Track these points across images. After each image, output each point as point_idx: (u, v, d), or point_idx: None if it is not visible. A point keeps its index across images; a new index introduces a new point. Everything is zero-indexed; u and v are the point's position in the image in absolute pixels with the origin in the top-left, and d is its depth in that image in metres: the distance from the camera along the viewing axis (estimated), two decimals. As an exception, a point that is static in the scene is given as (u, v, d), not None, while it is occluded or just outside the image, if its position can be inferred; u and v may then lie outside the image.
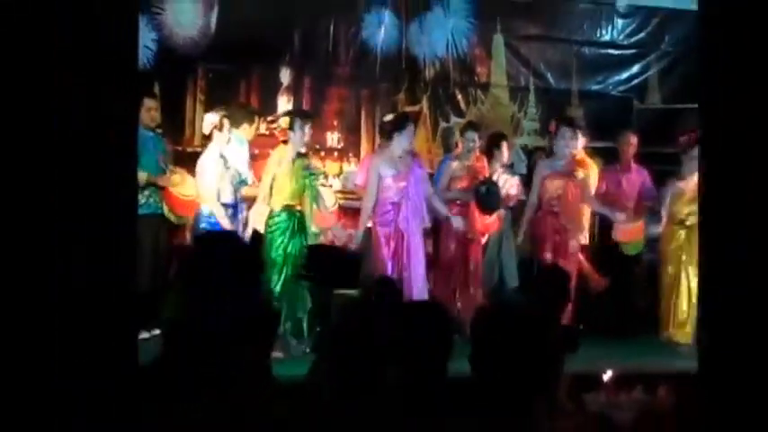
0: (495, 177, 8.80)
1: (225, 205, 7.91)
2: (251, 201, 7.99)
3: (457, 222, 8.34)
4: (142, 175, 7.58)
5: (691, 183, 8.38)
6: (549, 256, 8.46)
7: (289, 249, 7.68)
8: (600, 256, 9.01)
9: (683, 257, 8.61)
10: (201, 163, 7.95)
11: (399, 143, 7.93)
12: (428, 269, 8.14)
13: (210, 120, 8.10)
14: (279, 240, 7.68)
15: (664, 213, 8.80)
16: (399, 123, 8.13)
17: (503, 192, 8.82)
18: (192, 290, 2.81)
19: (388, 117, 8.75)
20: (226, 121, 8.01)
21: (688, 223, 8.50)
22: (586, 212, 9.16)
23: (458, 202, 8.60)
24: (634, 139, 9.29)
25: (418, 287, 7.79)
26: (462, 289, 8.56)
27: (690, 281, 8.54)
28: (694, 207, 8.32)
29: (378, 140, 9.20)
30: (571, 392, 5.69)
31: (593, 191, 9.06)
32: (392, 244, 7.88)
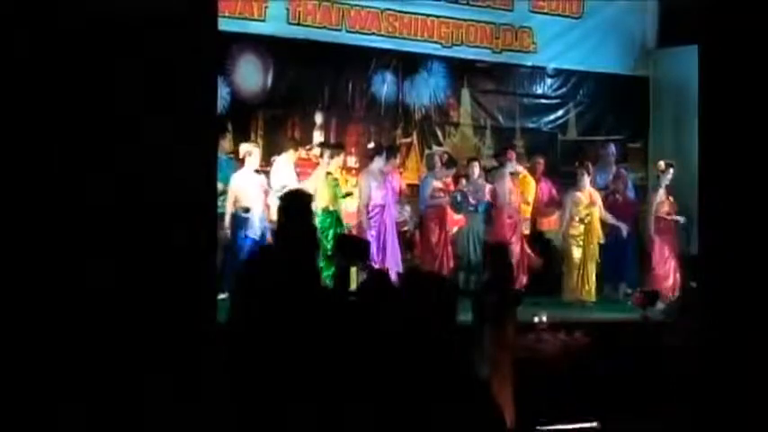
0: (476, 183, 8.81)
1: (245, 208, 7.85)
2: None
3: (409, 225, 8.54)
4: (219, 185, 7.60)
5: (585, 192, 8.51)
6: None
7: (329, 238, 7.68)
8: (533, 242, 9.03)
9: (584, 244, 8.61)
10: (234, 177, 7.95)
11: (377, 163, 8.10)
12: (409, 250, 8.27)
13: (245, 149, 8.19)
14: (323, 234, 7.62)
15: (567, 214, 8.74)
16: (377, 150, 8.44)
17: (479, 194, 8.85)
18: None
19: (371, 145, 8.88)
20: (255, 150, 8.12)
21: (586, 221, 8.54)
22: (526, 210, 9.18)
23: (435, 205, 8.65)
24: (541, 160, 9.49)
25: (396, 260, 7.94)
26: (440, 264, 8.59)
27: (587, 259, 8.55)
28: (592, 209, 8.45)
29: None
30: (517, 332, 5.72)
31: (531, 198, 9.13)
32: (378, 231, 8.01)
